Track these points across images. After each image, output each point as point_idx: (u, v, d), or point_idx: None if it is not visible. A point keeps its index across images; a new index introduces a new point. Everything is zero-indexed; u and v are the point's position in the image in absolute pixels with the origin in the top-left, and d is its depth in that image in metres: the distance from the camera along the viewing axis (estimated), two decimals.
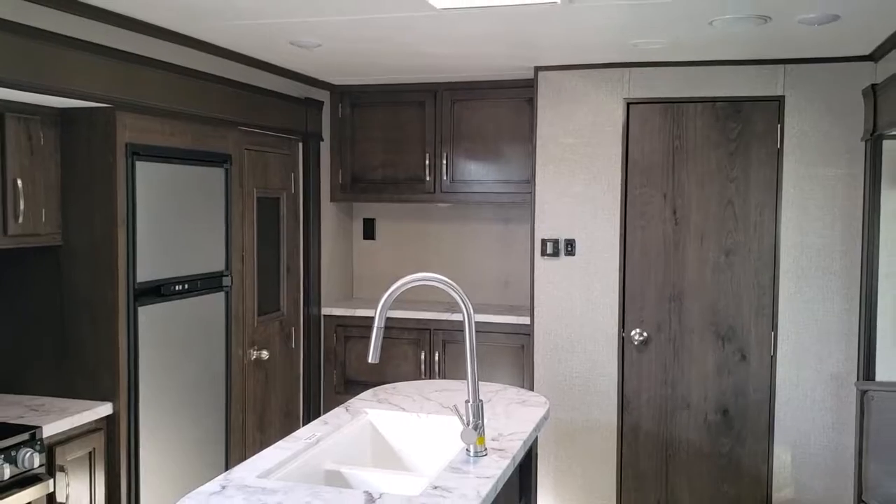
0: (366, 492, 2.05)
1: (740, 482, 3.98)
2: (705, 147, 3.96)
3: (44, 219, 2.99)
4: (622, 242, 4.06)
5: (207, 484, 2.10)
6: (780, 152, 3.85)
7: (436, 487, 2.08)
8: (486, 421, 2.63)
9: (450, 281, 2.35)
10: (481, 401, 2.36)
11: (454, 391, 3.07)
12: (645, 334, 4.05)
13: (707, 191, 3.96)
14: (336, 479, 2.40)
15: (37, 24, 2.69)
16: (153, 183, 3.23)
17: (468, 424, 2.33)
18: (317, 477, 2.38)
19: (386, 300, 2.31)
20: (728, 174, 3.92)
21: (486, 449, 2.36)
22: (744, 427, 3.96)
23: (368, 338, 4.34)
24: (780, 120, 3.84)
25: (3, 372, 3.14)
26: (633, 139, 4.03)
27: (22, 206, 2.87)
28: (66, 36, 2.80)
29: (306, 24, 3.18)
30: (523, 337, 4.32)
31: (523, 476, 2.76)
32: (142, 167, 3.16)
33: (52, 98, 2.85)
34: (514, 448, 2.42)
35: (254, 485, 2.08)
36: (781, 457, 3.90)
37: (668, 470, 4.06)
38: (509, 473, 2.32)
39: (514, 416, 2.76)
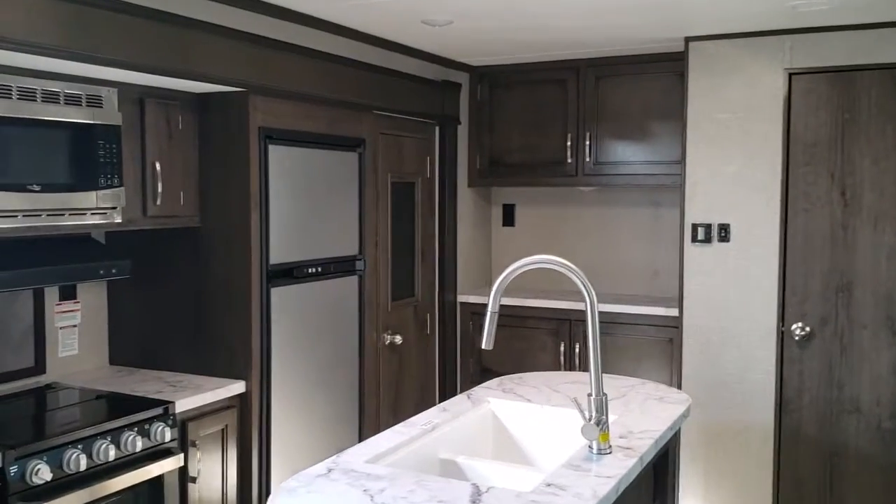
0: (473, 484, 1.93)
1: None
2: (881, 119, 3.55)
3: (182, 201, 3.07)
4: (783, 227, 3.73)
5: (315, 466, 2.06)
6: None
7: (549, 485, 1.93)
8: (616, 417, 2.45)
9: (569, 263, 2.17)
10: (605, 394, 2.17)
11: (586, 384, 2.88)
12: (807, 329, 3.69)
13: (883, 168, 3.55)
14: (450, 469, 2.29)
15: (175, 10, 2.75)
16: (286, 167, 3.26)
17: (590, 419, 2.16)
18: (430, 465, 2.28)
19: (499, 284, 2.17)
20: None
21: (610, 446, 2.17)
22: None
23: (506, 326, 4.28)
24: None
25: (145, 348, 3.27)
26: (796, 113, 3.69)
27: (160, 189, 2.96)
28: (203, 21, 2.86)
29: (437, 0, 3.10)
30: (671, 330, 4.05)
31: (658, 478, 2.55)
32: (275, 151, 3.19)
33: (190, 83, 2.92)
34: (644, 447, 2.22)
35: (360, 469, 2.01)
36: None
37: (832, 480, 3.68)
38: (635, 474, 2.12)
39: (650, 413, 2.55)
